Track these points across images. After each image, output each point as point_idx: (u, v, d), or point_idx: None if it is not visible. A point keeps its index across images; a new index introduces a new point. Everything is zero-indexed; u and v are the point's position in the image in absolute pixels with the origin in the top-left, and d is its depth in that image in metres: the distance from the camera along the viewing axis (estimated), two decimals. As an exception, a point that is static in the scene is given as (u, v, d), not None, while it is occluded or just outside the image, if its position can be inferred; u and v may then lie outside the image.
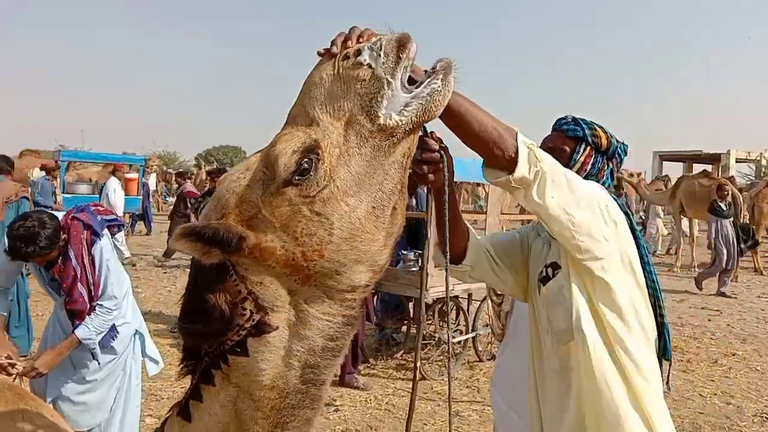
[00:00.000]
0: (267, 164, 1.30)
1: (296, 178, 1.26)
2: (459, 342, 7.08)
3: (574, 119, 2.15)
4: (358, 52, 1.28)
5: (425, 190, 7.27)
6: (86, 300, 3.56)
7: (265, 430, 1.37)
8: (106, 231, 3.70)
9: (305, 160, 1.25)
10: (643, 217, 20.94)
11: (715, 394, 6.53)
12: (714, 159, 30.25)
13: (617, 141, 2.15)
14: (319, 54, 1.35)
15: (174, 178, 20.89)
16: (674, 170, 32.32)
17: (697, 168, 20.66)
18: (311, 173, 1.26)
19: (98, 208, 3.89)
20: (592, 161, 2.10)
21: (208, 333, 1.34)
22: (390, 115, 1.27)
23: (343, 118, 1.28)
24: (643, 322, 1.88)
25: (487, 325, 6.70)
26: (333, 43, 1.33)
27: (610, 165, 2.15)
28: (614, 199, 1.90)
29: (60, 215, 3.56)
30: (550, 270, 2.01)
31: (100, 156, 17.91)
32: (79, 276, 3.52)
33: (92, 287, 3.57)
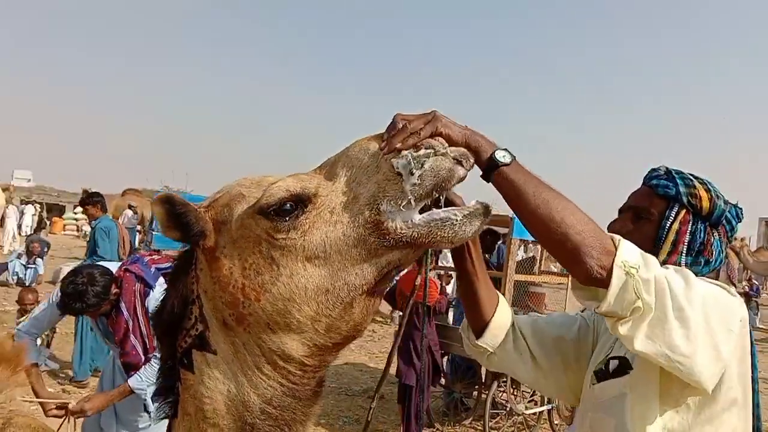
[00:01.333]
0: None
1: (271, 212, 1.21)
2: (533, 414, 6.63)
3: (668, 172, 1.71)
4: (400, 154, 1.21)
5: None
6: (140, 352, 3.56)
7: None
8: (161, 281, 3.67)
9: (290, 203, 1.21)
10: (747, 288, 19.50)
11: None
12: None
13: (725, 203, 1.68)
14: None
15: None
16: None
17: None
18: (287, 219, 1.21)
19: (153, 257, 3.92)
20: (689, 229, 1.65)
21: (159, 323, 1.37)
22: (393, 219, 1.18)
23: (354, 192, 1.22)
24: None
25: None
26: (387, 129, 1.25)
27: (716, 234, 1.68)
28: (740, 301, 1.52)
29: (114, 267, 3.62)
30: (612, 363, 1.61)
31: (193, 197, 18.70)
32: (131, 328, 3.54)
33: (146, 339, 3.57)
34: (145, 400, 3.56)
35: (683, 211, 1.67)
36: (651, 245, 1.66)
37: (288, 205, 1.21)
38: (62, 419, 3.48)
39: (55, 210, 34.16)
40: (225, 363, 1.27)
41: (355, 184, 1.22)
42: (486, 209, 1.24)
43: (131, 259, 3.76)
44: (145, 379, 3.50)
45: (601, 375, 1.62)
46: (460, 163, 1.23)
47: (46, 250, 15.04)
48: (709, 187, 1.69)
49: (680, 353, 1.34)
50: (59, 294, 3.45)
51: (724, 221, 1.69)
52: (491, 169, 1.34)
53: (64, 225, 31.10)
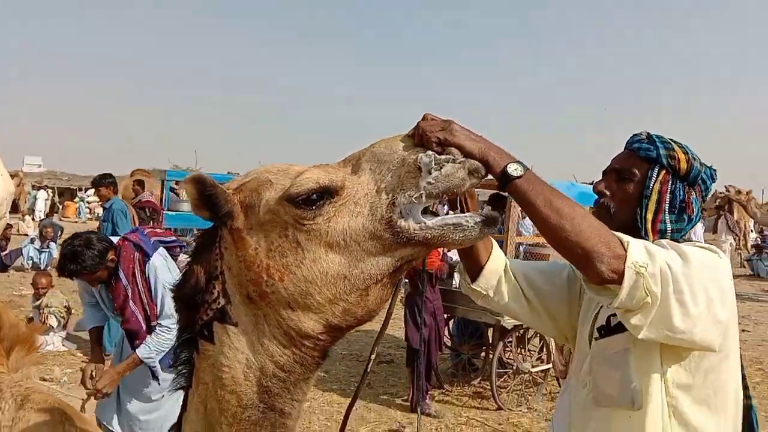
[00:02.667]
0: (294, 177, 1.36)
1: (300, 200, 1.30)
2: (540, 371, 6.76)
3: (649, 137, 1.82)
4: (426, 151, 1.31)
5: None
6: (140, 319, 3.64)
7: None
8: (162, 252, 3.77)
9: (316, 194, 1.30)
10: (759, 240, 19.42)
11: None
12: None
13: (701, 164, 1.80)
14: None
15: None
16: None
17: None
18: (313, 207, 1.29)
19: (156, 230, 4.02)
20: (670, 189, 1.76)
21: (181, 296, 1.44)
22: (407, 219, 1.29)
23: (377, 185, 1.32)
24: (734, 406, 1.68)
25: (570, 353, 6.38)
26: (417, 127, 1.36)
27: (693, 193, 1.79)
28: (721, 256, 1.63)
29: (115, 239, 3.73)
30: (614, 320, 1.71)
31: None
32: (130, 295, 3.61)
33: (147, 307, 3.64)
34: (154, 367, 3.64)
35: (663, 172, 1.77)
36: (635, 204, 1.79)
37: (315, 195, 1.29)
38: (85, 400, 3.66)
39: (67, 194, 34.45)
40: (245, 334, 1.36)
41: (380, 178, 1.32)
42: (493, 218, 1.35)
43: (131, 230, 3.87)
44: (153, 348, 3.58)
45: (605, 331, 1.73)
46: (472, 174, 1.33)
47: (59, 234, 15.26)
48: (687, 150, 1.80)
49: (679, 332, 1.49)
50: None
51: (699, 181, 1.80)
52: (505, 181, 1.44)
53: (77, 208, 31.38)
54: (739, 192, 15.28)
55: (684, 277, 1.47)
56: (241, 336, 1.36)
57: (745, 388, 1.75)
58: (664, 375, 1.62)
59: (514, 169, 1.43)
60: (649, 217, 1.76)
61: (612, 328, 1.71)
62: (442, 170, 1.27)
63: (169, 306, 3.61)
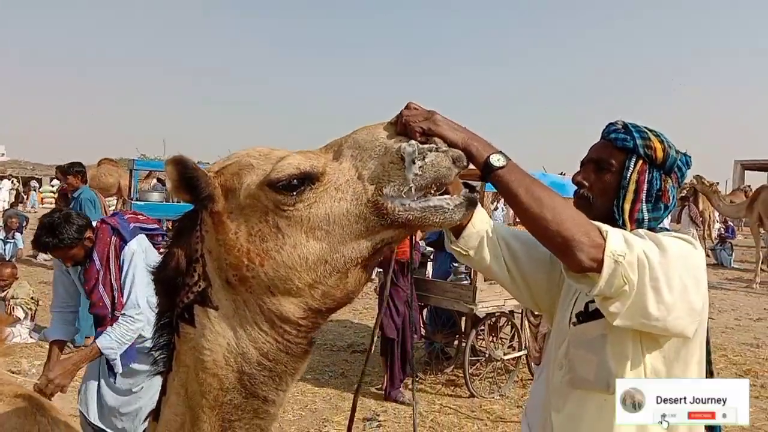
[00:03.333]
0: (275, 162, 1.35)
1: (280, 186, 1.30)
2: (512, 359, 6.85)
3: (625, 126, 1.82)
4: (409, 141, 1.32)
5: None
6: (107, 305, 3.51)
7: (213, 425, 1.38)
8: (141, 238, 3.66)
9: (297, 180, 1.30)
10: (723, 231, 19.89)
11: (791, 425, 6.02)
12: (802, 168, 28.43)
13: (676, 152, 1.81)
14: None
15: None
16: (758, 180, 30.55)
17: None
18: (294, 193, 1.30)
19: (138, 217, 3.88)
20: (647, 178, 1.77)
21: (161, 278, 1.44)
22: (393, 201, 1.29)
23: (359, 171, 1.32)
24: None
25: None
26: (399, 116, 1.36)
27: (670, 181, 1.81)
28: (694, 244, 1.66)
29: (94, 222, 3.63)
30: (592, 306, 1.72)
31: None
32: (101, 279, 3.51)
33: (116, 293, 3.51)
34: (114, 360, 3.46)
35: (640, 162, 1.78)
36: (613, 193, 1.80)
37: (295, 181, 1.29)
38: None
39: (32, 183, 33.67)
40: (226, 318, 1.36)
41: (361, 164, 1.32)
42: (472, 201, 1.38)
43: (111, 214, 3.77)
44: (114, 338, 3.41)
45: (583, 317, 1.76)
46: (455, 163, 1.34)
47: (24, 224, 14.92)
48: (662, 138, 1.81)
49: (654, 319, 1.52)
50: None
51: (675, 169, 1.82)
52: (487, 171, 1.47)
53: (42, 198, 30.73)
54: (704, 183, 15.67)
55: (660, 266, 1.49)
56: (222, 320, 1.36)
57: (710, 374, 1.79)
58: (643, 361, 1.65)
59: (496, 160, 1.45)
60: (627, 207, 1.78)
61: (590, 314, 1.74)
62: (425, 159, 1.29)
63: (137, 295, 3.52)
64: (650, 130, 1.82)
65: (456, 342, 7.48)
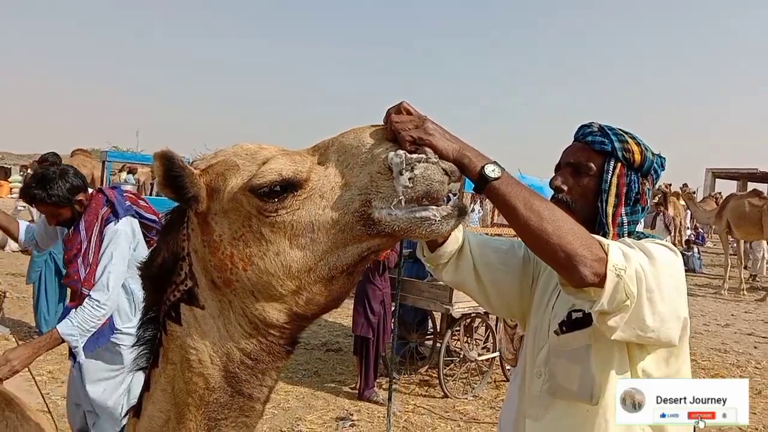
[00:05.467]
0: (261, 163, 1.31)
1: (262, 192, 1.26)
2: (486, 360, 6.87)
3: (601, 129, 1.80)
4: (396, 150, 1.25)
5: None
6: (81, 279, 3.29)
7: (199, 423, 1.37)
8: (133, 221, 3.45)
9: (279, 186, 1.26)
10: (693, 236, 20.26)
11: (757, 429, 6.14)
12: (770, 178, 29.03)
13: (653, 154, 1.81)
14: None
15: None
16: (728, 188, 31.16)
17: (752, 187, 19.81)
18: (275, 200, 1.26)
19: (138, 201, 3.65)
20: (627, 181, 1.76)
21: (148, 274, 1.42)
22: (380, 210, 1.24)
23: (345, 179, 1.27)
24: None
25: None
26: (389, 122, 1.30)
27: (647, 183, 1.81)
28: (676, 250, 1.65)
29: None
30: (575, 315, 1.70)
31: (144, 157, 18.24)
32: (82, 251, 3.32)
33: (88, 269, 3.29)
34: (75, 348, 3.17)
35: (619, 165, 1.76)
36: (592, 197, 1.78)
37: (278, 187, 1.26)
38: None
39: (0, 173, 32.96)
40: (212, 318, 1.34)
41: (348, 171, 1.27)
42: (462, 210, 1.30)
43: (111, 186, 3.62)
44: (76, 324, 3.13)
45: (566, 326, 1.72)
46: (447, 175, 1.29)
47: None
48: (639, 141, 1.80)
49: (650, 330, 1.51)
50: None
51: (652, 171, 1.81)
52: (482, 183, 1.40)
53: (11, 188, 30.04)
54: (685, 187, 16.09)
55: (652, 277, 1.48)
56: (208, 319, 1.34)
57: None
58: (632, 369, 1.64)
59: (491, 171, 1.39)
60: (610, 210, 1.76)
61: (573, 323, 1.71)
62: (414, 171, 1.22)
63: (109, 278, 3.25)
64: (626, 133, 1.81)
65: (430, 342, 7.49)
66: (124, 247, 3.35)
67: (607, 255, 1.42)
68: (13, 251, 14.19)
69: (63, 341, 3.14)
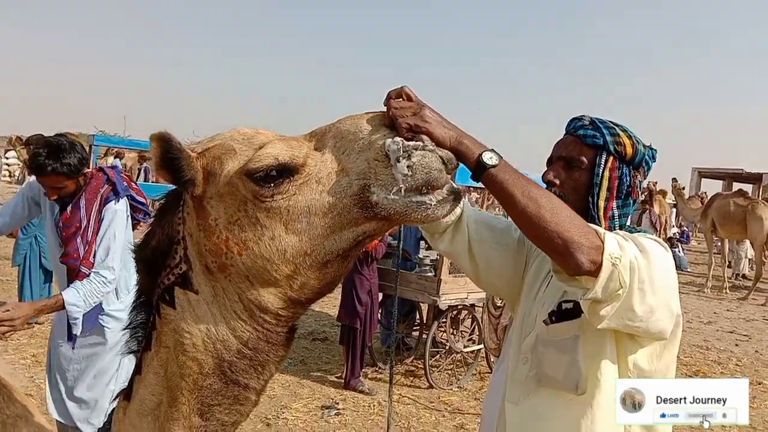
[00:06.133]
0: (257, 148, 1.30)
1: (258, 176, 1.26)
2: (471, 352, 6.91)
3: (593, 122, 1.79)
4: (394, 137, 1.25)
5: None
6: (80, 256, 3.25)
7: (191, 408, 1.36)
8: (126, 202, 3.42)
9: (275, 171, 1.26)
10: (678, 234, 20.46)
11: (746, 427, 6.21)
12: (755, 179, 29.32)
13: (644, 146, 1.80)
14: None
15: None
16: (714, 188, 31.46)
17: (738, 187, 20.06)
18: (271, 184, 1.26)
19: (131, 183, 3.64)
20: (618, 174, 1.76)
21: (143, 257, 1.41)
22: (378, 194, 1.24)
23: (342, 164, 1.27)
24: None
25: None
26: (387, 106, 1.30)
27: (638, 175, 1.80)
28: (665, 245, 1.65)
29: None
30: (565, 306, 1.70)
31: (132, 142, 18.05)
32: (81, 230, 3.25)
33: (87, 248, 3.25)
34: (75, 320, 3.13)
35: (611, 158, 1.76)
36: (584, 191, 1.78)
37: (274, 172, 1.25)
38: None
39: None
40: (206, 303, 1.33)
41: (345, 157, 1.27)
42: (457, 195, 1.30)
43: (110, 166, 3.53)
44: (82, 294, 3.11)
45: (555, 317, 1.72)
46: (445, 164, 1.28)
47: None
48: (630, 133, 1.80)
49: (638, 320, 1.50)
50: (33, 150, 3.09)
51: (643, 163, 1.81)
52: (479, 171, 1.39)
53: (-5, 169, 29.64)
54: (675, 182, 16.32)
55: (645, 269, 1.48)
56: (202, 304, 1.33)
57: None
58: (623, 361, 1.65)
59: (489, 158, 1.38)
60: (602, 204, 1.77)
61: (563, 314, 1.71)
62: (412, 158, 1.22)
63: (113, 258, 3.25)
64: (617, 125, 1.80)
65: (416, 333, 7.52)
66: (121, 227, 3.33)
67: (603, 243, 1.43)
68: (-3, 234, 14.03)
69: (63, 308, 3.09)
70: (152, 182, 14.42)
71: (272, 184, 1.25)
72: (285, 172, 1.26)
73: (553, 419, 1.70)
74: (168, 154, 1.27)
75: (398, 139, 1.24)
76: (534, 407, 1.74)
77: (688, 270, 18.06)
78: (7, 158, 28.81)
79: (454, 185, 1.32)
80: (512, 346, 1.89)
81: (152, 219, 1.45)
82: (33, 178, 3.43)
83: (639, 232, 1.76)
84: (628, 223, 1.86)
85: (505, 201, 1.43)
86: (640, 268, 1.47)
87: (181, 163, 1.28)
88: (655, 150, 1.85)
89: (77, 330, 3.20)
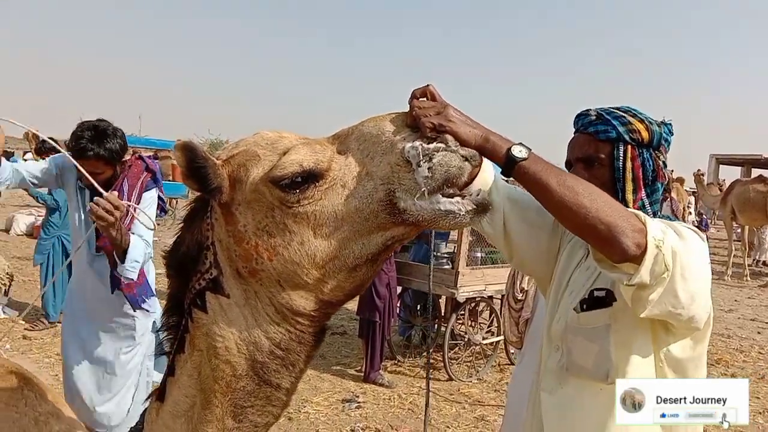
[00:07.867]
0: (282, 153, 1.31)
1: (283, 183, 1.26)
2: (490, 344, 6.91)
3: (600, 116, 1.74)
4: (414, 141, 1.24)
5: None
6: None
7: (225, 410, 1.38)
8: (158, 192, 3.45)
9: (301, 177, 1.26)
10: (697, 222, 20.26)
11: (760, 413, 6.17)
12: (775, 164, 28.88)
13: (658, 125, 1.74)
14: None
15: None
16: (732, 174, 31.05)
17: (756, 173, 19.74)
18: (297, 191, 1.26)
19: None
20: (641, 162, 1.70)
21: (173, 262, 1.43)
22: (405, 200, 1.24)
23: (366, 168, 1.27)
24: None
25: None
26: (411, 106, 1.29)
27: (660, 155, 1.74)
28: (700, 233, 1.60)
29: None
30: (597, 293, 1.66)
31: (147, 141, 18.24)
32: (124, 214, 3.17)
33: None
34: (130, 277, 3.10)
35: (629, 147, 1.71)
36: (611, 187, 1.71)
37: (299, 178, 1.26)
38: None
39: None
40: (237, 307, 1.35)
41: (368, 160, 1.27)
42: (485, 206, 1.29)
43: (137, 156, 3.52)
44: (141, 251, 3.07)
45: (586, 305, 1.69)
46: (467, 160, 1.27)
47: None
48: (641, 116, 1.73)
49: (680, 307, 1.46)
50: (77, 132, 3.08)
51: (663, 141, 1.75)
52: (510, 166, 1.37)
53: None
54: (699, 172, 16.22)
55: (684, 254, 1.44)
56: (234, 308, 1.35)
57: None
58: (656, 352, 1.62)
59: (518, 151, 1.36)
60: (630, 197, 1.72)
61: (594, 302, 1.68)
62: (433, 160, 1.21)
63: (148, 243, 3.23)
64: (626, 112, 1.74)
65: (435, 326, 7.53)
66: (154, 217, 3.36)
67: (645, 226, 1.40)
68: (18, 234, 14.24)
69: (122, 248, 2.99)
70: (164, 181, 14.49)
71: (298, 190, 1.26)
72: (310, 177, 1.27)
73: (582, 409, 1.69)
74: (194, 163, 1.28)
75: (417, 143, 1.23)
76: (569, 396, 1.73)
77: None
78: (25, 159, 29.12)
79: (486, 198, 1.31)
80: (544, 335, 1.88)
81: (180, 225, 1.47)
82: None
83: (675, 221, 1.71)
84: (660, 211, 1.80)
85: (540, 193, 1.40)
86: (681, 254, 1.43)
87: (207, 172, 1.30)
88: (670, 123, 1.79)
89: (133, 275, 3.14)
